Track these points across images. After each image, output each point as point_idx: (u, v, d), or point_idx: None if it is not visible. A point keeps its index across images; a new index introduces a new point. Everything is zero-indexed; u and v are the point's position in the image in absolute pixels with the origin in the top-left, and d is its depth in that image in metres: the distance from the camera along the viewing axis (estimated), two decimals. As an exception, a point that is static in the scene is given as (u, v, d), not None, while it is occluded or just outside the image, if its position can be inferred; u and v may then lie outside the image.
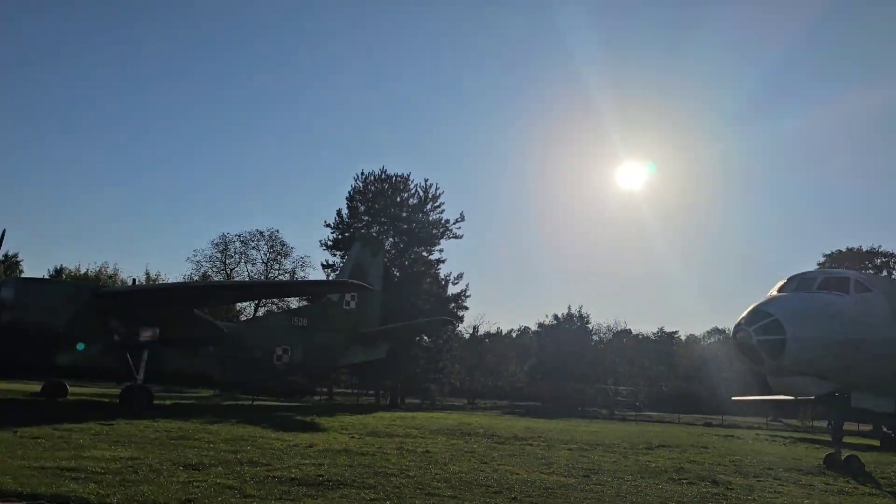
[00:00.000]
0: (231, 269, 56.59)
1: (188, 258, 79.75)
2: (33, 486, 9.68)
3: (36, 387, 34.67)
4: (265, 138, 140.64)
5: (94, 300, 24.74)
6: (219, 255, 57.12)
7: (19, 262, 68.87)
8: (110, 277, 64.47)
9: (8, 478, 10.07)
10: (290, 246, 58.48)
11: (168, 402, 30.42)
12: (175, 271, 78.18)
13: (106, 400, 29.62)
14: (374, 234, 45.81)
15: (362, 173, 51.39)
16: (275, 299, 51.16)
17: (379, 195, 50.64)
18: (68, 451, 13.05)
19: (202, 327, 28.27)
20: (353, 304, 36.79)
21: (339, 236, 50.67)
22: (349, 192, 51.38)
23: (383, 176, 51.24)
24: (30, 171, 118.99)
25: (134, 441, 15.10)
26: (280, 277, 54.93)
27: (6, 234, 25.39)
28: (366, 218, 51.04)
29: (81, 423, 17.55)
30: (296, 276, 55.68)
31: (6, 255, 77.01)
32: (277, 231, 58.30)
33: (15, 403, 25.49)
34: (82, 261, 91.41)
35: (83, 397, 31.32)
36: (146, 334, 25.75)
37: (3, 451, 12.63)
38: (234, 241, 57.28)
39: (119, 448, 13.83)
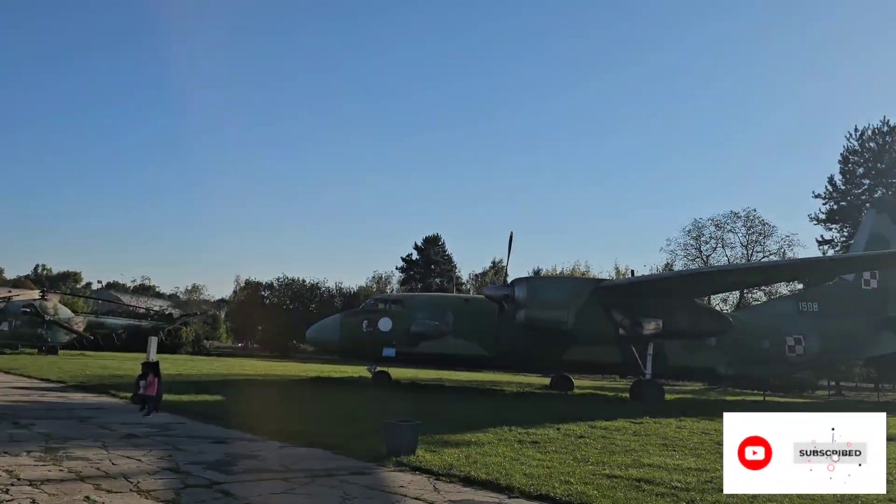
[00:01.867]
0: (707, 256, 53.47)
1: (661, 248, 78.76)
2: (618, 500, 8.37)
3: (545, 380, 36.81)
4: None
5: (596, 294, 24.42)
6: (692, 242, 54.51)
7: (504, 266, 76.46)
8: (583, 274, 66.80)
9: (590, 488, 8.98)
10: (772, 225, 52.54)
11: (672, 398, 28.87)
12: (643, 263, 78.22)
13: (609, 394, 29.40)
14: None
15: (856, 129, 43.52)
16: (763, 286, 46.29)
17: (881, 152, 42.14)
18: (622, 455, 11.87)
19: (706, 317, 26.04)
20: (874, 284, 30.56)
21: (834, 206, 43.63)
22: (842, 154, 43.89)
23: (885, 129, 42.55)
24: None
25: (684, 446, 13.41)
26: (766, 259, 49.70)
27: (513, 236, 26.84)
28: (866, 181, 43.00)
29: (613, 421, 16.70)
30: (784, 256, 49.78)
31: (493, 262, 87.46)
32: (755, 210, 53.00)
33: (535, 397, 26.67)
34: (556, 261, 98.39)
35: (586, 391, 31.74)
36: (650, 327, 24.56)
37: (560, 450, 12.05)
38: (708, 226, 53.94)
39: (674, 454, 12.23)
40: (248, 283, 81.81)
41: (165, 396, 16.21)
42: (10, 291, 57.29)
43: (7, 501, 7.03)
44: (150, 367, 15.18)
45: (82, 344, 47.72)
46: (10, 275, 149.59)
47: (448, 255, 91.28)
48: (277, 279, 77.69)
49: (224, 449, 11.02)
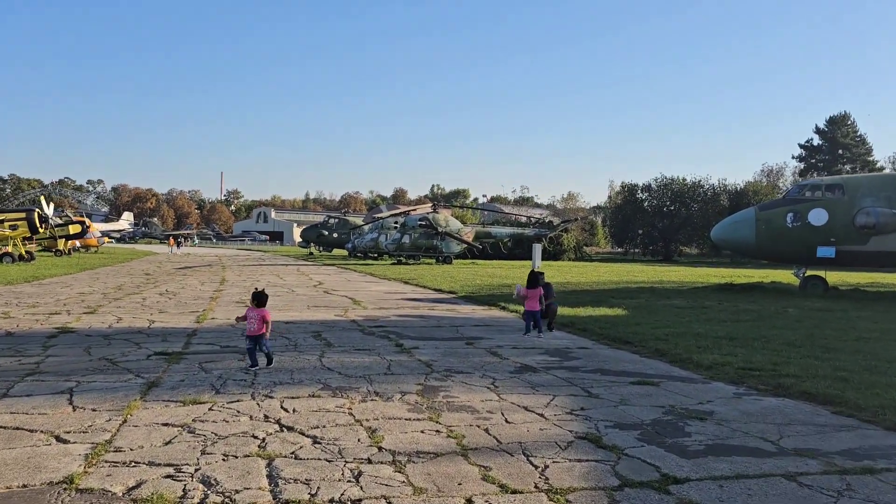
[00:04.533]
0: None
1: None
2: None
3: None
4: None
5: None
6: None
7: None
8: None
9: None
10: None
11: None
12: None
13: None
14: None
15: None
16: None
17: None
18: None
19: None
20: None
21: None
22: None
23: None
24: None
25: None
26: None
27: None
28: None
29: None
30: None
31: None
32: None
33: None
34: None
35: None
36: None
37: None
38: None
39: None
40: (623, 185, 78.18)
41: (560, 310, 13.49)
42: (409, 207, 62.18)
43: (355, 501, 4.36)
44: (539, 280, 12.22)
45: (472, 253, 49.35)
46: (412, 195, 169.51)
47: (860, 135, 75.79)
48: (655, 179, 72.57)
49: (653, 396, 7.56)
